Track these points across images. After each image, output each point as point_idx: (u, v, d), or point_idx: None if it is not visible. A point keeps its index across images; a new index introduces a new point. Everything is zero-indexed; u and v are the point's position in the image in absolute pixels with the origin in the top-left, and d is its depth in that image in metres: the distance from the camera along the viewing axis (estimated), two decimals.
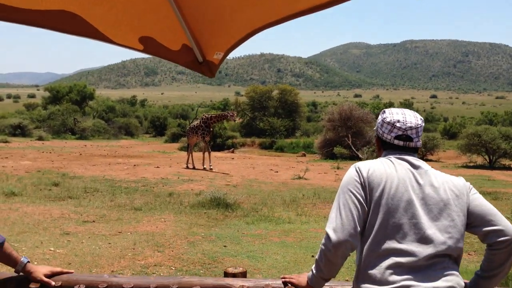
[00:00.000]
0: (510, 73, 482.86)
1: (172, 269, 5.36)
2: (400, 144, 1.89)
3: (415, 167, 1.85)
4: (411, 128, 1.88)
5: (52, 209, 8.32)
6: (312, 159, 25.49)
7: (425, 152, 25.82)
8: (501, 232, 1.74)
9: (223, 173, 15.60)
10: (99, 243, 6.29)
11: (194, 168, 16.76)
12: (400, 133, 1.88)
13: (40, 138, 30.04)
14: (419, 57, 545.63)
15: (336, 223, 1.75)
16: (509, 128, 25.42)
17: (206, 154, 17.02)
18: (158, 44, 1.76)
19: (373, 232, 1.74)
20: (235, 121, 16.39)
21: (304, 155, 29.28)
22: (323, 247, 1.77)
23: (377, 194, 1.76)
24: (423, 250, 1.69)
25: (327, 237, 1.75)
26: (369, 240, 1.74)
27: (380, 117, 1.98)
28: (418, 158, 1.90)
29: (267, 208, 9.60)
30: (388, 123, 1.91)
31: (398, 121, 1.88)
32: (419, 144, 1.92)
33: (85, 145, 27.91)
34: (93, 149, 24.80)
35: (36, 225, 7.08)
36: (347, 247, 1.73)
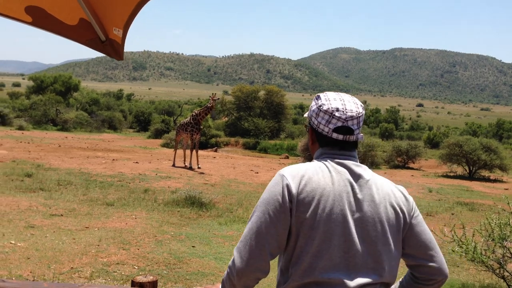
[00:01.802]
0: (496, 86, 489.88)
1: (135, 268, 5.23)
2: (340, 138, 1.58)
3: (355, 176, 1.56)
4: (352, 118, 1.57)
5: (21, 200, 8.11)
6: (294, 162, 25.45)
7: (406, 160, 25.95)
8: (437, 271, 1.57)
9: (202, 172, 15.46)
10: (64, 238, 6.12)
11: (173, 165, 16.58)
12: (339, 124, 1.57)
13: (21, 128, 29.53)
14: (407, 65, 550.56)
15: (244, 250, 1.49)
16: (490, 139, 25.65)
17: (194, 152, 16.83)
18: (50, 16, 1.54)
19: (300, 259, 1.48)
20: (216, 100, 16.06)
21: (287, 157, 29.23)
22: (228, 269, 1.54)
23: (307, 215, 1.47)
24: (356, 281, 1.46)
25: (233, 260, 1.51)
26: (295, 266, 1.48)
27: (314, 104, 1.64)
28: (358, 162, 1.65)
29: (242, 209, 9.50)
30: (326, 111, 1.58)
31: (337, 110, 1.56)
32: (360, 136, 1.62)
33: (66, 137, 27.51)
34: (73, 141, 24.44)
35: (1, 216, 6.89)
36: (252, 278, 1.50)
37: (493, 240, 4.41)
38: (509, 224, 4.32)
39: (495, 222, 4.39)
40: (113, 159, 16.59)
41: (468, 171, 21.86)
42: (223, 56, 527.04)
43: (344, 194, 1.52)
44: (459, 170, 22.54)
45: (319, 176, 1.54)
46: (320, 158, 1.64)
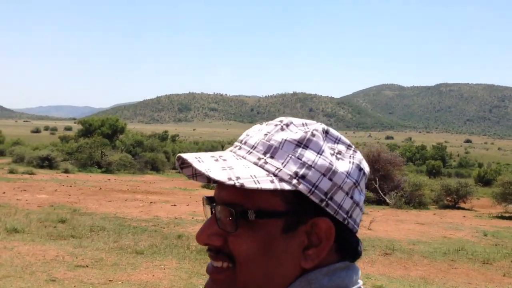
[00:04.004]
0: None
1: None
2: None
3: None
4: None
5: (49, 249, 7.87)
6: None
7: (457, 199, 24.57)
8: None
9: None
10: None
11: None
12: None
13: (66, 171, 30.18)
14: (453, 101, 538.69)
15: None
16: None
17: None
18: None
19: None
20: None
21: None
22: None
23: None
24: None
25: None
26: None
27: (350, 165, 0.80)
28: None
29: None
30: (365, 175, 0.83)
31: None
32: None
33: (109, 179, 27.82)
34: (115, 184, 24.62)
35: (24, 268, 6.62)
36: None
37: None
38: None
39: None
40: (151, 202, 16.40)
41: None
42: (266, 96, 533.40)
43: None
44: None
45: None
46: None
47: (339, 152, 0.80)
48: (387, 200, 22.83)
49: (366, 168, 0.82)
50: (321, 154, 0.77)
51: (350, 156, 0.81)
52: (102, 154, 36.39)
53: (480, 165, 70.26)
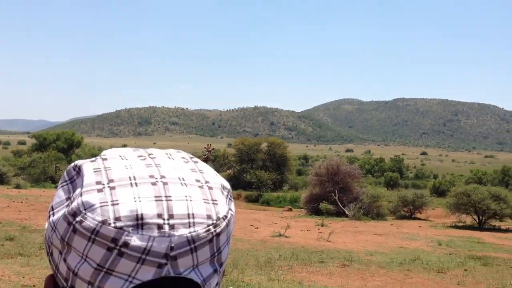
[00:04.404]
0: (498, 133, 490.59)
1: None
2: None
3: None
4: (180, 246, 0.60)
5: None
6: (297, 215, 24.67)
7: (413, 210, 25.13)
8: None
9: None
10: None
11: None
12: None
13: (18, 186, 29.01)
14: (410, 115, 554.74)
15: None
16: (499, 188, 24.90)
17: None
18: None
19: None
20: (211, 151, 15.50)
21: (290, 209, 28.45)
22: None
23: None
24: None
25: None
26: None
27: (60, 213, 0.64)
28: None
29: (237, 270, 8.77)
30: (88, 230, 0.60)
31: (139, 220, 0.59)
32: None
33: None
34: None
35: None
36: None
37: None
38: None
39: None
40: None
41: (477, 221, 21.02)
42: (227, 110, 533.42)
43: None
44: (468, 219, 21.70)
45: None
46: None
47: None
48: (346, 212, 23.08)
49: (89, 221, 0.58)
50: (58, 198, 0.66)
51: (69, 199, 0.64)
52: (56, 169, 35.30)
53: (435, 177, 72.37)
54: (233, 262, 9.51)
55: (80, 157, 45.38)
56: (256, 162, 41.97)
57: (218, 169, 47.66)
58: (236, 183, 39.64)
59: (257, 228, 15.84)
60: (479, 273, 9.88)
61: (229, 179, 41.00)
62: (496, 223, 20.94)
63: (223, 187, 0.70)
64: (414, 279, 9.03)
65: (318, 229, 16.60)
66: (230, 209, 0.68)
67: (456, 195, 21.26)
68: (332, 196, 24.50)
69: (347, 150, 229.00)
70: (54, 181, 34.16)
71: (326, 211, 23.47)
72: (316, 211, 24.26)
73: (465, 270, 10.10)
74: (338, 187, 25.13)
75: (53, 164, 35.82)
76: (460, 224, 21.15)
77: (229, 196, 0.71)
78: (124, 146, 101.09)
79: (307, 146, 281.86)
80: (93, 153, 46.72)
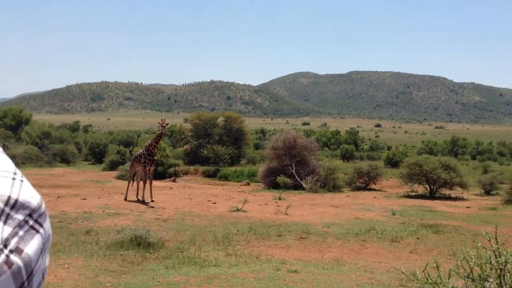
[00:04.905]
0: (448, 104, 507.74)
1: None
2: None
3: None
4: None
5: None
6: (255, 189, 24.73)
7: (368, 181, 25.70)
8: None
9: (155, 206, 14.47)
10: None
11: (125, 199, 15.55)
12: None
13: None
14: (364, 88, 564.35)
15: None
16: (449, 158, 25.78)
17: (148, 184, 15.81)
18: None
19: None
20: (165, 126, 15.14)
21: (248, 184, 28.49)
22: None
23: None
24: None
25: None
26: None
27: None
28: None
29: (195, 247, 8.65)
30: None
31: None
32: None
33: None
34: None
35: None
36: None
37: (473, 281, 3.78)
38: (490, 262, 3.70)
39: (474, 261, 3.76)
40: (58, 196, 15.41)
41: (429, 190, 21.72)
42: (183, 84, 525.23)
43: None
44: (420, 189, 22.39)
45: None
46: None
47: None
48: (304, 185, 23.31)
49: None
50: None
51: None
52: (5, 147, 33.81)
53: (389, 148, 74.28)
54: (190, 239, 9.39)
55: (29, 135, 43.67)
56: (213, 137, 41.63)
57: (174, 145, 47.07)
58: (193, 158, 39.26)
59: (215, 203, 15.74)
60: (430, 241, 10.18)
61: (186, 154, 40.61)
62: (446, 191, 21.69)
63: (10, 205, 0.52)
64: (369, 249, 9.20)
65: (276, 202, 16.68)
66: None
67: (409, 166, 21.83)
68: (289, 170, 24.64)
69: (304, 124, 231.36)
70: None
71: (284, 185, 23.62)
72: (274, 185, 24.38)
73: (418, 238, 10.39)
74: (295, 160, 25.28)
75: (0, 142, 34.29)
76: (413, 194, 21.79)
77: (23, 224, 0.52)
78: (77, 122, 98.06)
79: (264, 120, 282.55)
80: (43, 131, 45.07)
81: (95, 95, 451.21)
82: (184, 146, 43.01)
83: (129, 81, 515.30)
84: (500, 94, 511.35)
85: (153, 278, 6.48)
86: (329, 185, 23.55)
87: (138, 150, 18.62)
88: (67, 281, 6.12)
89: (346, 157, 51.11)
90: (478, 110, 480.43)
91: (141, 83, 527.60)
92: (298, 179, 24.05)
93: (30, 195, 0.55)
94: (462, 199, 20.72)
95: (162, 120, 16.05)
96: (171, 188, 22.13)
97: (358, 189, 25.00)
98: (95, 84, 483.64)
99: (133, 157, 16.96)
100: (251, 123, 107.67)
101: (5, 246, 0.49)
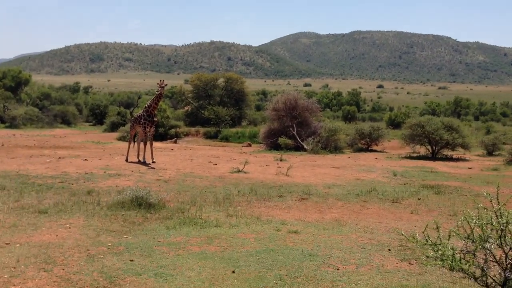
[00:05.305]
0: (452, 65, 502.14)
1: None
2: None
3: None
4: None
5: None
6: (256, 150, 24.73)
7: (370, 142, 25.67)
8: None
9: (156, 167, 14.48)
10: None
11: (126, 160, 15.56)
12: None
13: None
14: (366, 48, 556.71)
15: None
16: (451, 118, 25.63)
17: (148, 145, 15.80)
18: None
19: None
20: (163, 86, 15.03)
21: (250, 145, 28.49)
22: None
23: None
24: None
25: None
26: None
27: None
28: None
29: (195, 207, 8.68)
30: None
31: None
32: None
33: (14, 135, 25.90)
34: (20, 139, 22.93)
35: None
36: None
37: (473, 242, 3.75)
38: (491, 223, 3.65)
39: (475, 222, 3.71)
40: (60, 157, 15.42)
41: (431, 151, 21.69)
42: (183, 45, 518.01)
43: None
44: (422, 150, 22.39)
45: None
46: None
47: None
48: (305, 146, 23.28)
49: None
50: None
51: None
52: (5, 108, 33.71)
53: (391, 109, 73.99)
54: (191, 199, 9.41)
55: (29, 96, 43.44)
56: (213, 98, 41.39)
57: (175, 106, 46.83)
58: (194, 119, 39.18)
59: (216, 164, 15.74)
60: (431, 201, 10.19)
61: (187, 115, 40.48)
62: (448, 152, 21.67)
63: None
64: (370, 209, 9.22)
65: (277, 164, 16.67)
66: None
67: (411, 127, 21.75)
68: (290, 131, 24.57)
69: (305, 85, 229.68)
70: (3, 120, 32.70)
71: (285, 146, 23.60)
72: (275, 146, 24.37)
73: (419, 199, 10.40)
74: (296, 121, 25.17)
75: (0, 103, 34.12)
76: (415, 155, 21.78)
77: None
78: (77, 83, 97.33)
79: (265, 81, 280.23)
80: (43, 92, 44.81)
81: (94, 56, 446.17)
82: (185, 108, 42.84)
83: (128, 42, 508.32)
84: (504, 54, 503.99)
85: (153, 238, 6.50)
86: (330, 146, 23.52)
87: (139, 112, 18.51)
88: (68, 240, 6.15)
89: (348, 118, 50.95)
90: (482, 70, 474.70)
91: (140, 43, 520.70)
92: (299, 140, 24.00)
93: None
94: (464, 160, 20.72)
95: (160, 80, 15.86)
96: (172, 149, 22.13)
97: (360, 150, 24.99)
98: (94, 44, 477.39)
99: (133, 119, 16.88)
100: (252, 84, 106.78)
101: None
